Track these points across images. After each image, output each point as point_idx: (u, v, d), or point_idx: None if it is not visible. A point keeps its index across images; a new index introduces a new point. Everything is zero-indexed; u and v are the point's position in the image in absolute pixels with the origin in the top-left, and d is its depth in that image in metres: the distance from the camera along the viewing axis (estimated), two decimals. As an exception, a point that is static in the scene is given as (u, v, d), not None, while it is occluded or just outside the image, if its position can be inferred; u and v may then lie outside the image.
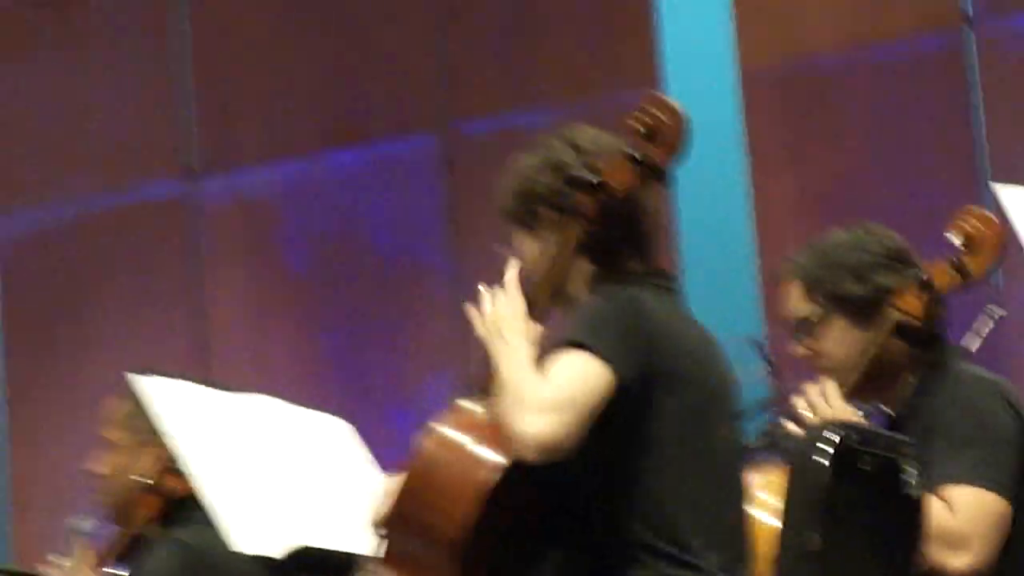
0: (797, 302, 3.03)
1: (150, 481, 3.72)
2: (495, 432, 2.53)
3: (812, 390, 2.96)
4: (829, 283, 3.02)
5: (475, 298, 2.65)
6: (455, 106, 5.89)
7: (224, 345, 5.93)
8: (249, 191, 6.02)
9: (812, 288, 3.03)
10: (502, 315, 2.61)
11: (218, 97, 6.06)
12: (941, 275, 2.97)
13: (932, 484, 2.73)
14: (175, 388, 3.31)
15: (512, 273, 2.66)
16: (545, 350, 2.57)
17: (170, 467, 3.50)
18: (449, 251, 5.76)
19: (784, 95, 5.87)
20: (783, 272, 3.15)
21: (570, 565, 2.59)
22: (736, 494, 2.59)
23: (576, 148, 2.63)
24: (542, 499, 2.56)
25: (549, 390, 2.44)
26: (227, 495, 3.15)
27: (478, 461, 2.54)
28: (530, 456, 2.43)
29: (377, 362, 5.78)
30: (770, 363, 3.65)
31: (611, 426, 2.43)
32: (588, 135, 2.67)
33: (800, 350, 3.05)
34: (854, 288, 3.00)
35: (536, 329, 2.58)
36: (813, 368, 3.03)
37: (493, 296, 2.62)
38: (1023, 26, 5.76)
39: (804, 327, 3.03)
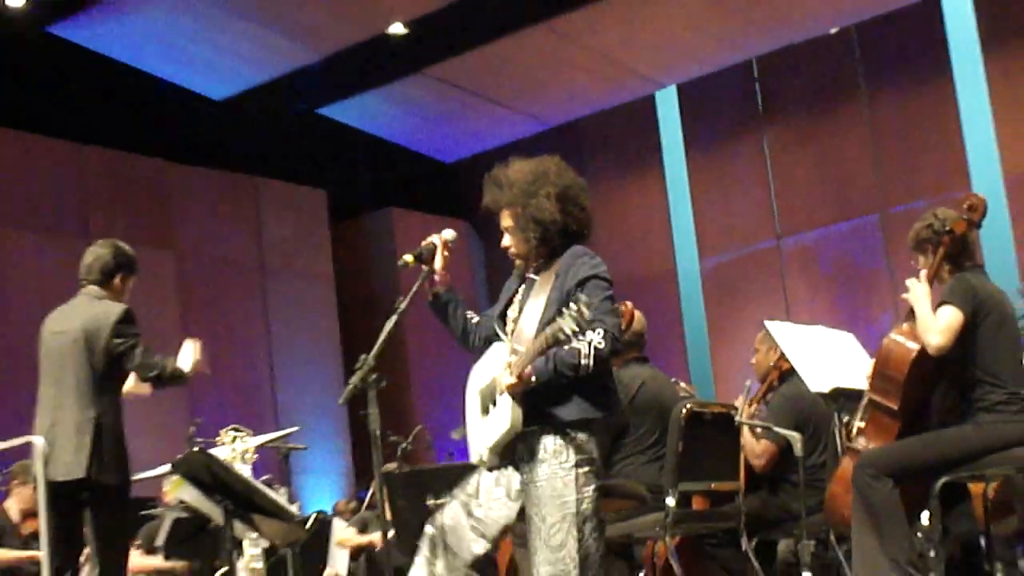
0: None
1: (771, 363, 4.67)
2: (916, 335, 3.69)
3: None
4: None
5: (902, 285, 3.82)
6: (886, 195, 7.73)
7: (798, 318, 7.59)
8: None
9: None
10: (918, 289, 3.77)
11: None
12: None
13: None
14: (784, 325, 4.51)
15: (922, 273, 3.80)
16: (933, 302, 3.66)
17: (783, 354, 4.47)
18: (886, 262, 7.94)
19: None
20: None
21: (953, 390, 3.75)
22: (1020, 356, 3.55)
23: (935, 216, 3.87)
24: (937, 364, 3.64)
25: (938, 325, 3.59)
26: (806, 364, 4.27)
27: (908, 348, 3.76)
28: (934, 354, 3.61)
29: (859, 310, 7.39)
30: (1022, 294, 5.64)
31: (965, 333, 3.62)
32: (942, 210, 3.88)
33: None
34: None
35: (930, 294, 3.72)
36: None
37: (912, 284, 3.78)
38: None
39: None
